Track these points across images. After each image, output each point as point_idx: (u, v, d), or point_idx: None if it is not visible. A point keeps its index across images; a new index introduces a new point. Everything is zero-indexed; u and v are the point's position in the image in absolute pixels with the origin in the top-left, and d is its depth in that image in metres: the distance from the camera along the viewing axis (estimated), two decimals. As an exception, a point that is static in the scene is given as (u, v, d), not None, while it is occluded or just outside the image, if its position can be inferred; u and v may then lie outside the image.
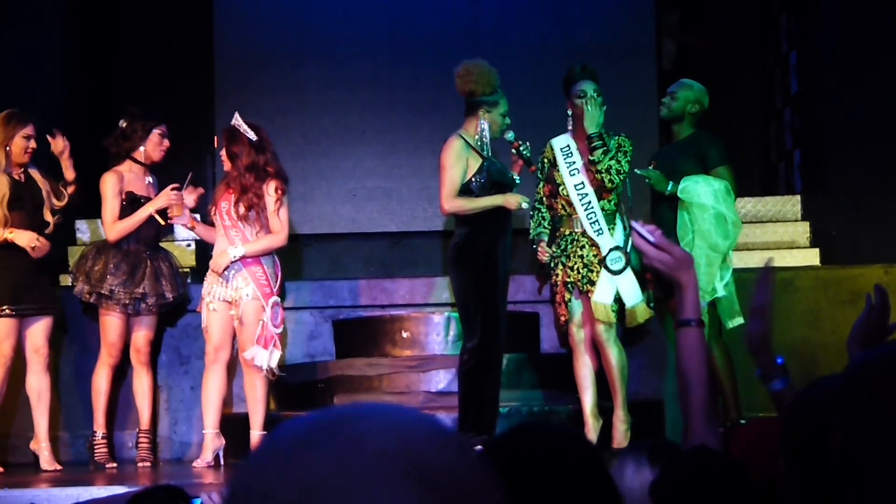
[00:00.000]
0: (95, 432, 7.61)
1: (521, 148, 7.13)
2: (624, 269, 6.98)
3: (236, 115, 7.41)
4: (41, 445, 7.50)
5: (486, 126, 6.96)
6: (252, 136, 7.29)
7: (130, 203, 7.52)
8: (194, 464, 7.45)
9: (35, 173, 7.51)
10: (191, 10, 10.44)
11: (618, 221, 7.17)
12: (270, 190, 7.30)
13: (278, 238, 7.36)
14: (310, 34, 10.38)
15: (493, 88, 7.00)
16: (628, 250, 7.02)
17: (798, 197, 9.23)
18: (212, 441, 7.40)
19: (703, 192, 7.06)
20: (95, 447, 7.60)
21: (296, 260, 10.27)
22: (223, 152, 7.40)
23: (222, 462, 7.45)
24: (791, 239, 8.84)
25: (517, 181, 7.18)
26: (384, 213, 10.33)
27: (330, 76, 10.34)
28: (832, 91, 8.92)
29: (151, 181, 7.70)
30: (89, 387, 7.64)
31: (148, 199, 7.57)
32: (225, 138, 7.38)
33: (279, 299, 7.38)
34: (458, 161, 6.89)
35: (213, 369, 7.38)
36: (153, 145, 7.60)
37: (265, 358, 7.22)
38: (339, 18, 10.37)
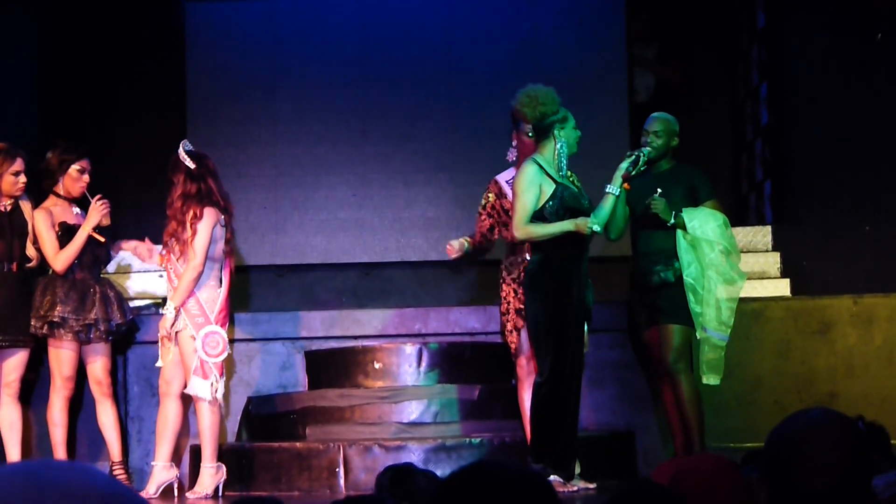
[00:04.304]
0: None
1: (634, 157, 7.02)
2: None
3: (183, 143, 7.23)
4: (12, 477, 7.42)
5: (563, 144, 6.83)
6: (190, 164, 7.13)
7: (66, 233, 7.42)
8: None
9: (25, 205, 7.47)
10: (163, 41, 10.44)
11: None
12: (189, 216, 7.10)
13: (191, 268, 7.09)
14: (282, 65, 10.39)
15: (558, 106, 6.86)
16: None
17: (769, 227, 9.26)
18: (158, 473, 7.26)
19: (710, 228, 7.12)
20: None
21: (268, 290, 10.25)
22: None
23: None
24: (762, 269, 8.86)
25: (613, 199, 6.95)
26: (356, 243, 10.32)
27: (302, 107, 10.34)
28: (802, 122, 8.97)
29: (79, 212, 7.53)
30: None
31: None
32: (169, 168, 7.21)
33: (217, 327, 7.15)
34: (531, 187, 6.75)
35: (165, 402, 7.30)
36: (71, 181, 7.43)
37: (205, 388, 7.11)
38: (312, 49, 10.39)
